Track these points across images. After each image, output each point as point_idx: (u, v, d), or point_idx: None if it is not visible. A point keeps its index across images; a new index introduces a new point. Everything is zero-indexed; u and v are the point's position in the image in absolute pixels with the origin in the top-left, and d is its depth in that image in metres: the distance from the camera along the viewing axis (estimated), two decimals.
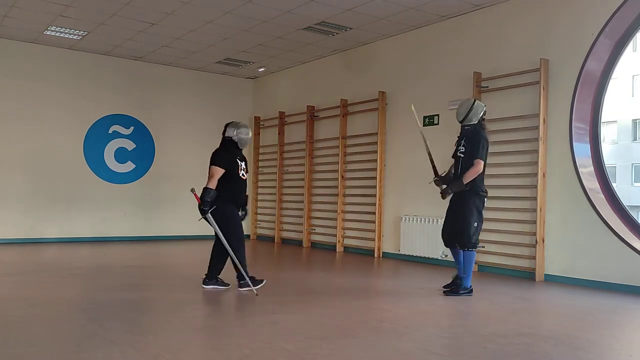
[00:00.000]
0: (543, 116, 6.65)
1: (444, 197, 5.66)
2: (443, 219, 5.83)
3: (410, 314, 4.90)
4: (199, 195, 5.36)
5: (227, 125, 5.72)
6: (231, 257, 5.43)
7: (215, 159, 5.53)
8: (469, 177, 5.43)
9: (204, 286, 5.54)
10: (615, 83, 25.44)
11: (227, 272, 5.57)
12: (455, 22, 7.90)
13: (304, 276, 7.06)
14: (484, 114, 5.62)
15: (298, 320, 4.37)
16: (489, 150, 5.66)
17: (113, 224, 10.51)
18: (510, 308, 5.19)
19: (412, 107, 6.35)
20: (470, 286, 5.57)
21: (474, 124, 5.55)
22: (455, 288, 5.57)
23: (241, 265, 5.41)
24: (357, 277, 6.93)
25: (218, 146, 5.70)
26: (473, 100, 5.69)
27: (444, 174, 5.78)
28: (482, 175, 5.51)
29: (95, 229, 10.37)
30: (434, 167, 5.85)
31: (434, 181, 5.77)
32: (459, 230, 5.51)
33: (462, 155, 5.57)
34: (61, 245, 9.63)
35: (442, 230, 5.79)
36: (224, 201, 5.45)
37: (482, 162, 5.45)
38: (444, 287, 5.74)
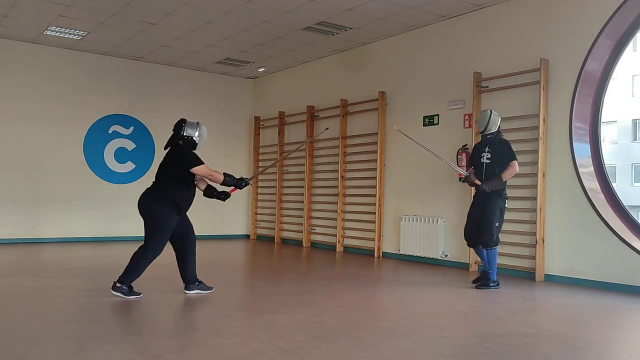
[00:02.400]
0: (543, 116, 6.65)
1: (480, 189, 5.96)
2: (466, 220, 6.24)
3: (410, 314, 4.90)
4: (224, 189, 5.36)
5: (183, 122, 5.25)
6: (135, 257, 5.11)
7: (195, 158, 5.12)
8: (508, 175, 5.92)
9: (187, 292, 5.30)
10: (615, 83, 25.44)
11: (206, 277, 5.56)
12: (455, 22, 7.90)
13: (304, 276, 7.06)
14: (500, 122, 6.12)
15: (298, 320, 4.37)
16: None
17: (113, 224, 10.52)
18: (511, 308, 5.19)
19: (396, 128, 7.12)
20: (497, 280, 6.04)
21: (495, 131, 6.04)
22: (485, 282, 6.00)
23: (133, 272, 5.12)
24: (357, 277, 6.93)
25: (178, 143, 5.21)
26: (489, 111, 6.10)
27: (471, 172, 6.09)
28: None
29: (95, 229, 10.37)
30: (457, 168, 6.42)
31: (466, 178, 6.05)
32: (483, 230, 5.95)
33: (488, 161, 6.00)
34: (61, 245, 9.63)
35: (467, 230, 6.18)
36: (168, 205, 5.09)
37: (517, 162, 5.93)
38: (474, 281, 6.22)
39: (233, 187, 5.34)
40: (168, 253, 5.31)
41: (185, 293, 5.31)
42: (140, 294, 5.15)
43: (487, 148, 6.03)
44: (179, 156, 5.18)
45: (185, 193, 5.22)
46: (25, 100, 9.78)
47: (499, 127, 6.07)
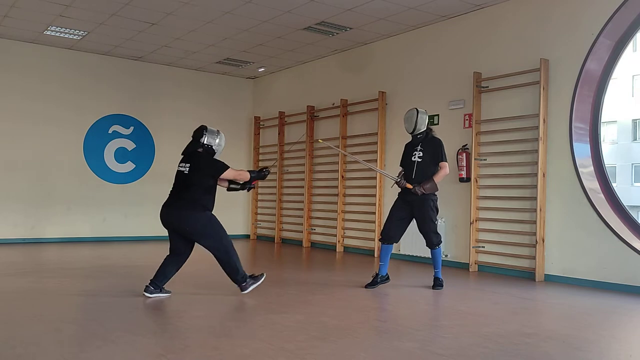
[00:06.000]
0: (543, 116, 6.65)
1: (412, 192, 5.81)
2: (388, 216, 6.05)
3: (410, 314, 4.90)
4: (246, 182, 5.40)
5: (204, 130, 5.23)
6: (227, 264, 5.21)
7: (222, 164, 5.17)
8: (440, 178, 5.85)
9: (149, 295, 5.15)
10: (615, 83, 25.43)
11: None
12: (455, 22, 7.90)
13: (304, 276, 7.06)
14: (428, 119, 6.06)
15: (298, 320, 4.38)
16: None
17: (113, 224, 10.52)
18: (510, 308, 5.19)
19: (321, 141, 7.26)
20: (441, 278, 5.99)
21: (425, 130, 5.95)
22: (438, 282, 5.95)
23: (236, 272, 5.24)
24: (357, 277, 6.92)
25: (198, 151, 5.20)
26: (415, 110, 5.96)
27: (400, 176, 6.02)
28: None
29: (96, 229, 10.38)
30: (388, 175, 6.30)
31: (397, 183, 5.95)
32: (426, 231, 5.86)
33: (419, 160, 5.91)
34: (61, 245, 9.63)
35: (389, 228, 5.95)
36: (202, 211, 5.15)
37: (448, 164, 5.92)
38: (366, 285, 5.99)
39: (254, 182, 5.44)
40: (193, 256, 5.32)
41: (146, 295, 5.12)
42: (170, 292, 5.24)
43: (419, 147, 5.94)
44: (208, 165, 5.17)
45: (212, 198, 5.25)
46: (25, 100, 9.78)
47: (428, 124, 6.00)
